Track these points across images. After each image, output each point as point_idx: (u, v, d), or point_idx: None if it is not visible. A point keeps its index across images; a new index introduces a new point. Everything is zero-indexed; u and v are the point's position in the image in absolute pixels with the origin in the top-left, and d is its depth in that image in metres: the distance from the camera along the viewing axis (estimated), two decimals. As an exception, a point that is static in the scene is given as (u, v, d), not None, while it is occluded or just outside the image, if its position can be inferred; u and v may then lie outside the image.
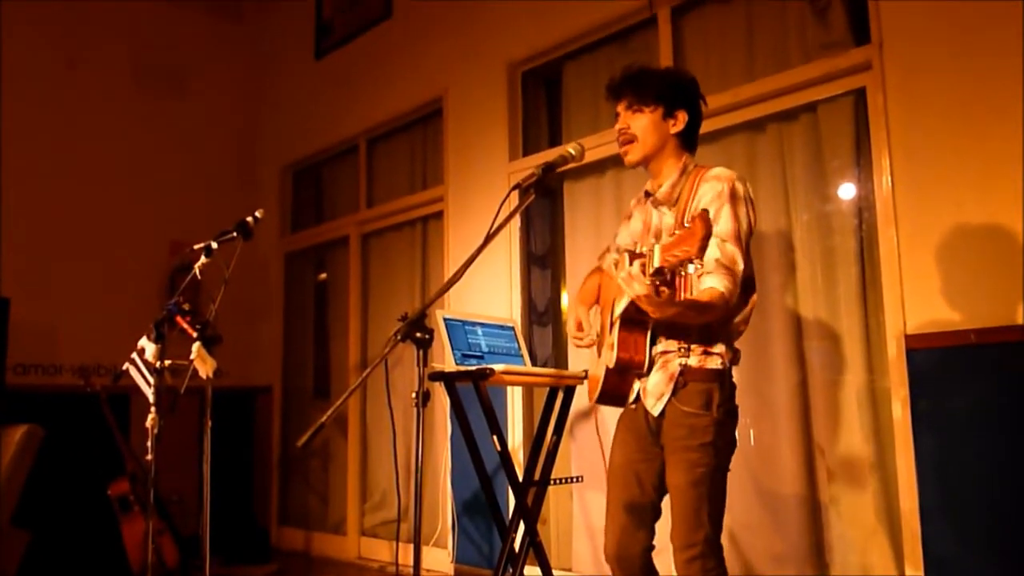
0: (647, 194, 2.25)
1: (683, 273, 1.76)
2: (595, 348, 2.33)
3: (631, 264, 1.77)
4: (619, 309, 2.02)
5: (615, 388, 2.16)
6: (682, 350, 2.05)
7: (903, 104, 2.80)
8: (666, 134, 2.15)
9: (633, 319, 2.03)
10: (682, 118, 2.14)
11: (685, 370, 2.03)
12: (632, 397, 2.15)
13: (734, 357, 2.10)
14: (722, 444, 2.03)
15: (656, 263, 1.70)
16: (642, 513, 2.12)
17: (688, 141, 2.19)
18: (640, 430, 2.14)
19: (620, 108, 2.19)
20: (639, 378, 2.12)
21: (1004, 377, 2.53)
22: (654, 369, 2.08)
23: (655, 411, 2.06)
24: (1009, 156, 2.53)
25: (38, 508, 4.16)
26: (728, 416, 2.06)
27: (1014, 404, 2.50)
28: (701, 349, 2.05)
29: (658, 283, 1.76)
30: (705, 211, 1.64)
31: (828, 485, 3.02)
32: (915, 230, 2.74)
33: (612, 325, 2.11)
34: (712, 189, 2.03)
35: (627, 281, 1.78)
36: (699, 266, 1.64)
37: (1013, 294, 2.48)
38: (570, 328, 2.32)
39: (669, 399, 2.04)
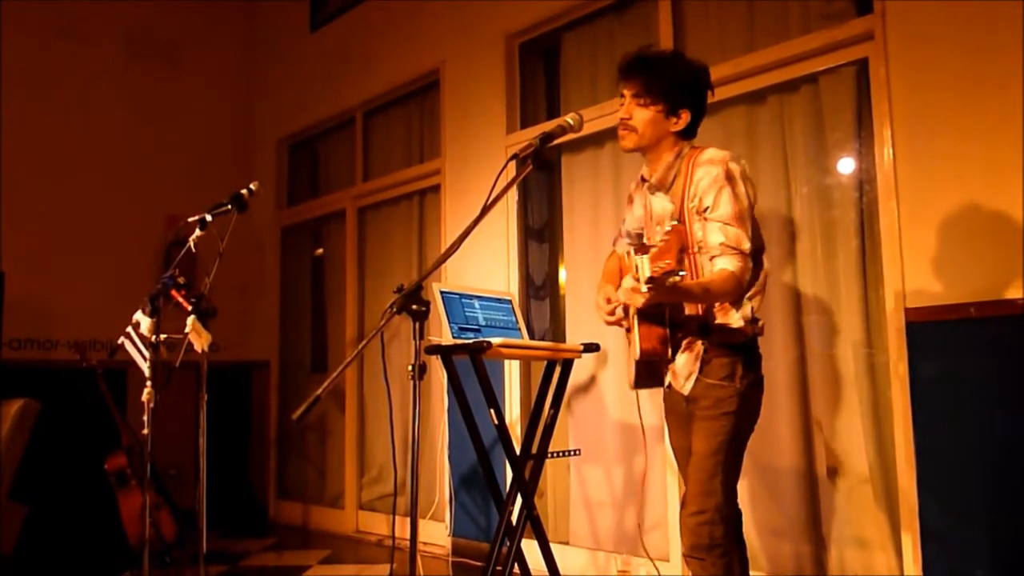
0: (643, 179, 2.29)
1: (693, 252, 1.89)
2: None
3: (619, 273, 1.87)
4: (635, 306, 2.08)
5: (648, 373, 2.23)
6: (703, 331, 2.09)
7: (905, 75, 2.76)
8: (665, 131, 2.18)
9: (649, 313, 2.09)
10: (684, 118, 2.16)
11: (709, 348, 2.09)
12: (668, 380, 2.20)
13: (757, 328, 2.14)
14: (744, 414, 2.09)
15: (647, 273, 1.76)
16: None
17: (687, 135, 2.20)
18: (680, 413, 2.22)
19: (626, 92, 2.19)
20: (667, 364, 2.17)
21: (1003, 351, 2.52)
22: (679, 352, 2.12)
23: (685, 390, 2.12)
24: (1012, 128, 2.50)
25: (35, 483, 4.17)
26: (752, 387, 2.11)
27: (1013, 378, 2.49)
28: (720, 327, 2.09)
29: (671, 279, 1.79)
30: (678, 225, 1.73)
31: (826, 459, 3.02)
32: (916, 203, 2.71)
33: (634, 317, 2.15)
34: (708, 174, 2.07)
35: (628, 296, 1.93)
36: (681, 278, 1.75)
37: (1013, 268, 2.47)
38: (600, 303, 2.31)
39: (697, 377, 2.09)
